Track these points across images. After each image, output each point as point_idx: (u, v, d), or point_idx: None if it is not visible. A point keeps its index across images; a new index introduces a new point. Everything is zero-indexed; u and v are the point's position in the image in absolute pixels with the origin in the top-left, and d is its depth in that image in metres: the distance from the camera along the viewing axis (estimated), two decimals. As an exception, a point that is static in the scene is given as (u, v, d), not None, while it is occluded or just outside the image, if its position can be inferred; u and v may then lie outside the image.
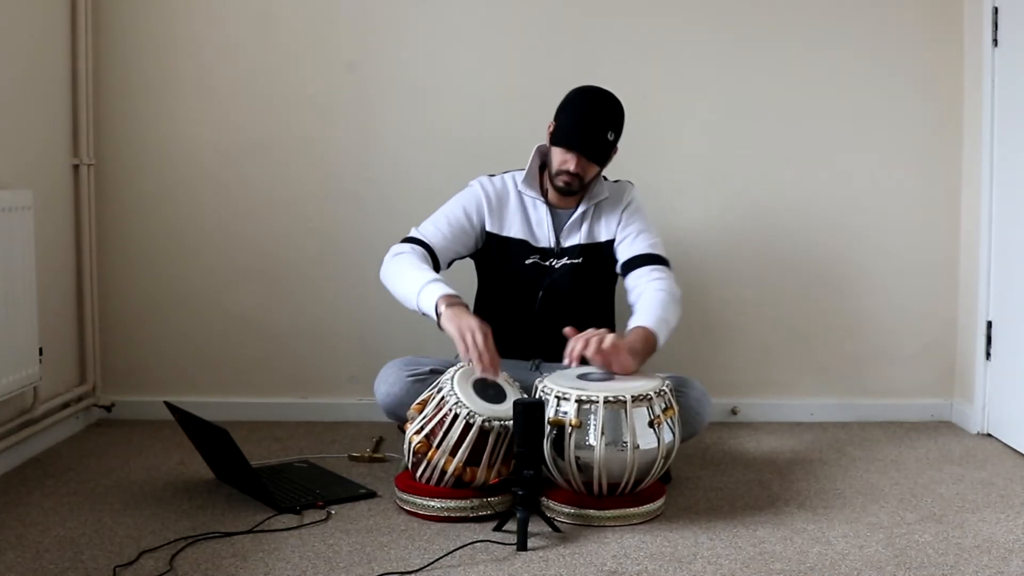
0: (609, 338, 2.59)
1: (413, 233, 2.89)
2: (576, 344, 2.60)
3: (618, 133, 2.83)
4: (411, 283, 2.72)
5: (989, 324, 3.36)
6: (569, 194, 2.88)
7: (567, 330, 2.65)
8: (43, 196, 3.13)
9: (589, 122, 2.78)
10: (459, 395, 2.52)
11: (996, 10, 3.27)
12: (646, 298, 2.78)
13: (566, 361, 2.62)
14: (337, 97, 3.49)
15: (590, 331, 2.61)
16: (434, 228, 2.89)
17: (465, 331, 2.58)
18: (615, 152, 2.88)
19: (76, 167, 3.39)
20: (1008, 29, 3.23)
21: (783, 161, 3.53)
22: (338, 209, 3.52)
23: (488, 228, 2.92)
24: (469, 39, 3.50)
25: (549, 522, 2.46)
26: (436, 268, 2.83)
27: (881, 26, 3.49)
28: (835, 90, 3.50)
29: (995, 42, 3.29)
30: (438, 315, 2.63)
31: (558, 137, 2.82)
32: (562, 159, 2.81)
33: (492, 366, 2.59)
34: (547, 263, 2.91)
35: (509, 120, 3.48)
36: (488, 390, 2.59)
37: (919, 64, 3.50)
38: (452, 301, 2.64)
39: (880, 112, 3.51)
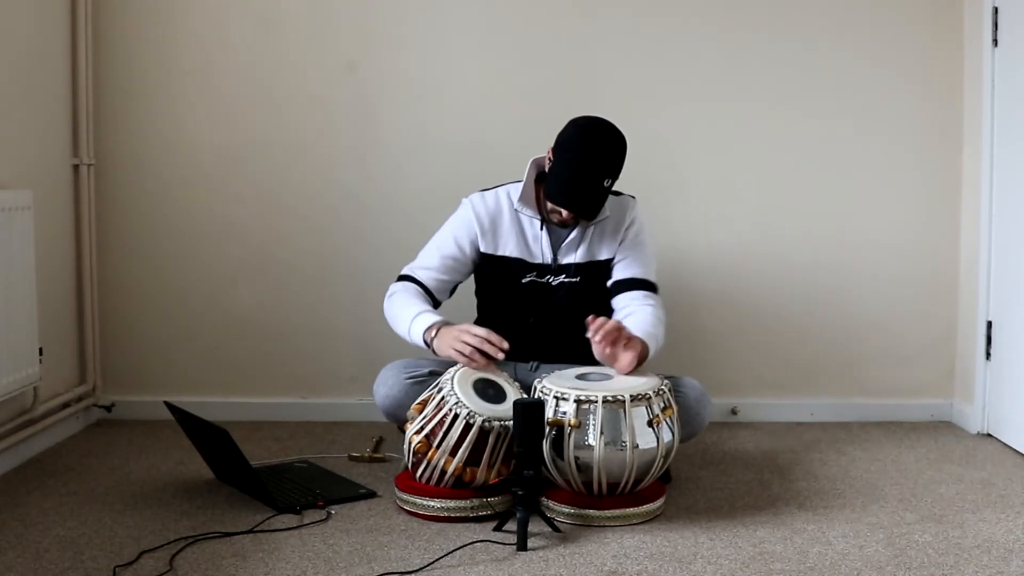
0: (628, 330, 2.63)
1: (406, 271, 2.89)
2: (598, 320, 2.59)
3: (616, 175, 2.74)
4: (403, 323, 2.77)
5: (989, 324, 3.36)
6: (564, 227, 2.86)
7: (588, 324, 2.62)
8: (43, 196, 3.13)
9: (583, 175, 2.68)
10: (459, 395, 2.52)
11: (996, 10, 3.27)
12: (638, 316, 2.76)
13: (590, 333, 2.59)
14: (337, 97, 3.49)
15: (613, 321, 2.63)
16: (426, 263, 2.87)
17: (457, 344, 2.63)
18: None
19: (76, 167, 3.39)
20: (1008, 29, 3.23)
21: (782, 161, 3.52)
22: (338, 209, 3.52)
23: (483, 249, 2.87)
24: (469, 39, 3.49)
25: (549, 522, 2.46)
26: (435, 303, 2.86)
27: (881, 27, 3.48)
28: (835, 90, 3.50)
29: (995, 42, 3.28)
30: (430, 347, 2.69)
31: (551, 187, 2.74)
32: (554, 205, 2.76)
33: (500, 345, 2.62)
34: (544, 280, 2.87)
35: (509, 120, 3.47)
36: (488, 390, 2.59)
37: (919, 64, 3.50)
38: (437, 327, 2.69)
39: (880, 112, 3.51)
